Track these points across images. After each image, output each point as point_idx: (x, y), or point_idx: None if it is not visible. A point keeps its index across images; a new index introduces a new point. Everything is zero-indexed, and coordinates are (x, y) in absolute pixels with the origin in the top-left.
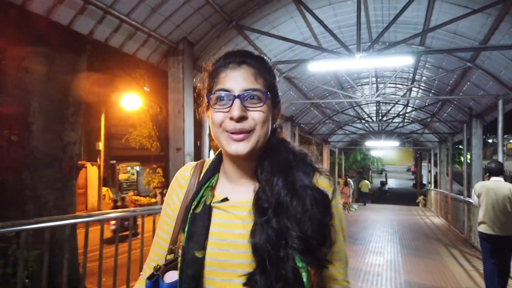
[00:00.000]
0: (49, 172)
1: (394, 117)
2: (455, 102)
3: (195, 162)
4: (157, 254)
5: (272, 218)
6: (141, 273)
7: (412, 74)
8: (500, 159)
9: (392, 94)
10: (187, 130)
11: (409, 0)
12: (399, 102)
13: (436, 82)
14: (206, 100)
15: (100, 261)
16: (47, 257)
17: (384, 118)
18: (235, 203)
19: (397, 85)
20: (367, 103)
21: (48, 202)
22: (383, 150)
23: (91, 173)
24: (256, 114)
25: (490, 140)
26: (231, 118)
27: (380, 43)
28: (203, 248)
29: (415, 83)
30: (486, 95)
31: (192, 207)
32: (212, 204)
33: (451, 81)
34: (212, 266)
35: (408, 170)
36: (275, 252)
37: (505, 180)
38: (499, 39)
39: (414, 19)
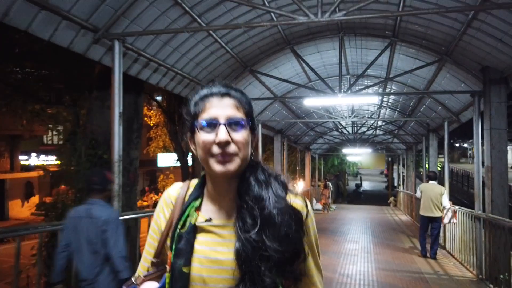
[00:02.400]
0: (122, 180)
1: (367, 130)
2: (416, 118)
3: (182, 183)
4: (143, 268)
5: (255, 233)
6: (123, 285)
7: (381, 97)
8: (446, 165)
9: (366, 110)
10: None
11: (376, 57)
12: (371, 117)
13: (400, 104)
14: (189, 127)
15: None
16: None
17: (359, 131)
18: (218, 223)
19: (370, 106)
20: (345, 121)
21: (121, 201)
22: (358, 155)
23: None
24: (239, 140)
25: (457, 144)
26: (218, 144)
27: (355, 76)
28: (189, 264)
29: (383, 103)
30: (437, 117)
31: (179, 226)
32: (196, 224)
33: (411, 104)
34: (196, 281)
35: (381, 173)
36: (258, 264)
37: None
38: (440, 81)
39: (380, 63)
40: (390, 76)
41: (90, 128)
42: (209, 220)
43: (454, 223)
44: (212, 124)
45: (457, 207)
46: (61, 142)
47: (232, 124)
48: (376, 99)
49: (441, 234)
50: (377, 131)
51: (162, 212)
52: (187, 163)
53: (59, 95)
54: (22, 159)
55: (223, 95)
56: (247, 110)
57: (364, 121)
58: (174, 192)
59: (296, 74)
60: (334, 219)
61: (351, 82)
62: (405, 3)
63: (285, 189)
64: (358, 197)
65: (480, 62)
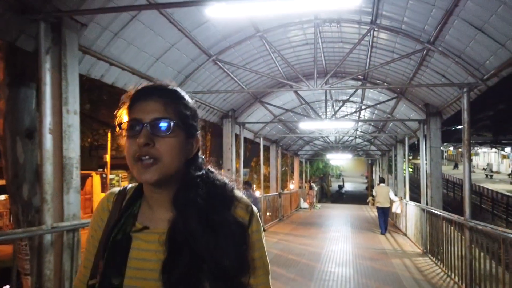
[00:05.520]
0: None
1: (346, 141)
2: (386, 132)
3: (118, 189)
4: (82, 278)
5: (184, 250)
6: None
7: (357, 116)
8: (407, 171)
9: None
10: (233, 159)
11: (353, 92)
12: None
13: (373, 119)
14: (119, 130)
15: None
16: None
17: (341, 140)
18: (154, 232)
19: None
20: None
21: None
22: (341, 160)
23: (96, 181)
24: (164, 142)
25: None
26: (139, 145)
27: (336, 101)
28: (121, 275)
29: (360, 119)
30: (401, 132)
31: (113, 234)
32: (131, 233)
33: (382, 121)
34: None
35: (362, 175)
36: (186, 284)
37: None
38: (399, 108)
39: (356, 93)
40: (364, 102)
41: None
42: (146, 228)
43: (399, 212)
44: (136, 126)
45: (413, 203)
46: None
47: (156, 126)
48: (353, 124)
49: (404, 224)
50: (356, 140)
51: (99, 220)
52: None
53: None
54: None
55: (150, 95)
56: (180, 112)
57: (344, 134)
58: (111, 197)
59: (291, 100)
60: (320, 215)
61: (334, 107)
62: (370, 69)
63: (231, 199)
64: (341, 197)
65: (423, 100)
